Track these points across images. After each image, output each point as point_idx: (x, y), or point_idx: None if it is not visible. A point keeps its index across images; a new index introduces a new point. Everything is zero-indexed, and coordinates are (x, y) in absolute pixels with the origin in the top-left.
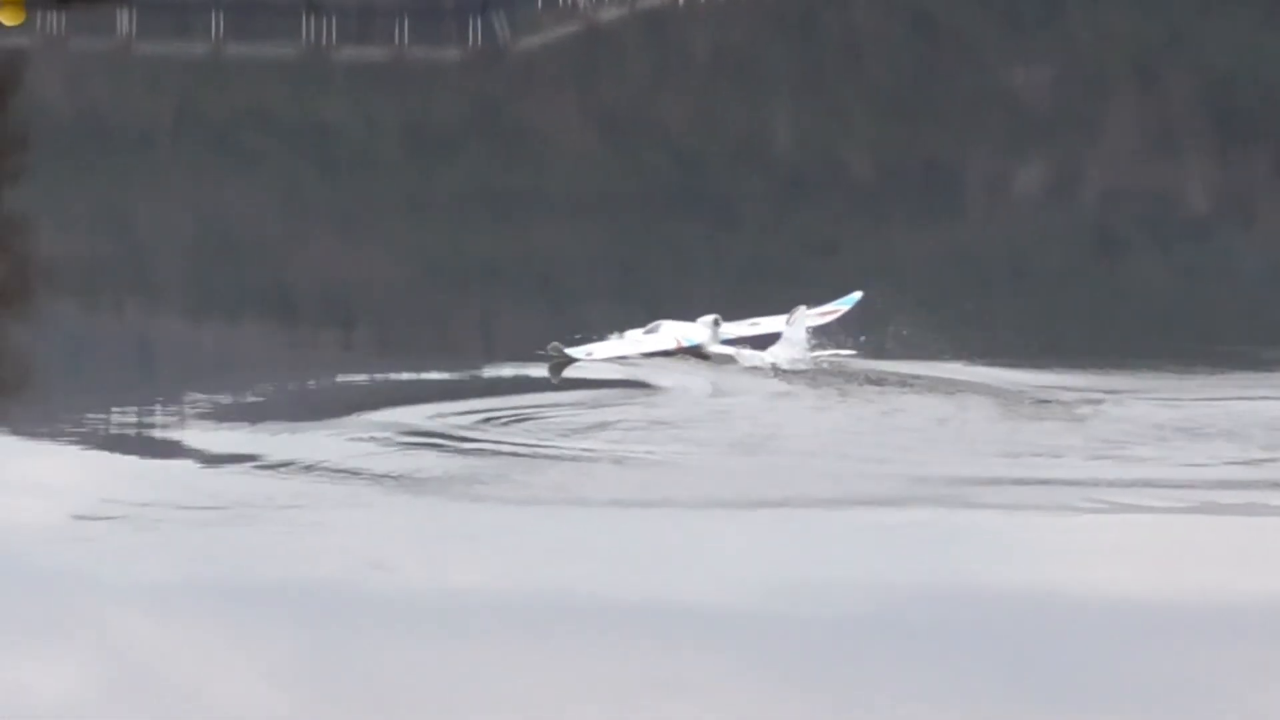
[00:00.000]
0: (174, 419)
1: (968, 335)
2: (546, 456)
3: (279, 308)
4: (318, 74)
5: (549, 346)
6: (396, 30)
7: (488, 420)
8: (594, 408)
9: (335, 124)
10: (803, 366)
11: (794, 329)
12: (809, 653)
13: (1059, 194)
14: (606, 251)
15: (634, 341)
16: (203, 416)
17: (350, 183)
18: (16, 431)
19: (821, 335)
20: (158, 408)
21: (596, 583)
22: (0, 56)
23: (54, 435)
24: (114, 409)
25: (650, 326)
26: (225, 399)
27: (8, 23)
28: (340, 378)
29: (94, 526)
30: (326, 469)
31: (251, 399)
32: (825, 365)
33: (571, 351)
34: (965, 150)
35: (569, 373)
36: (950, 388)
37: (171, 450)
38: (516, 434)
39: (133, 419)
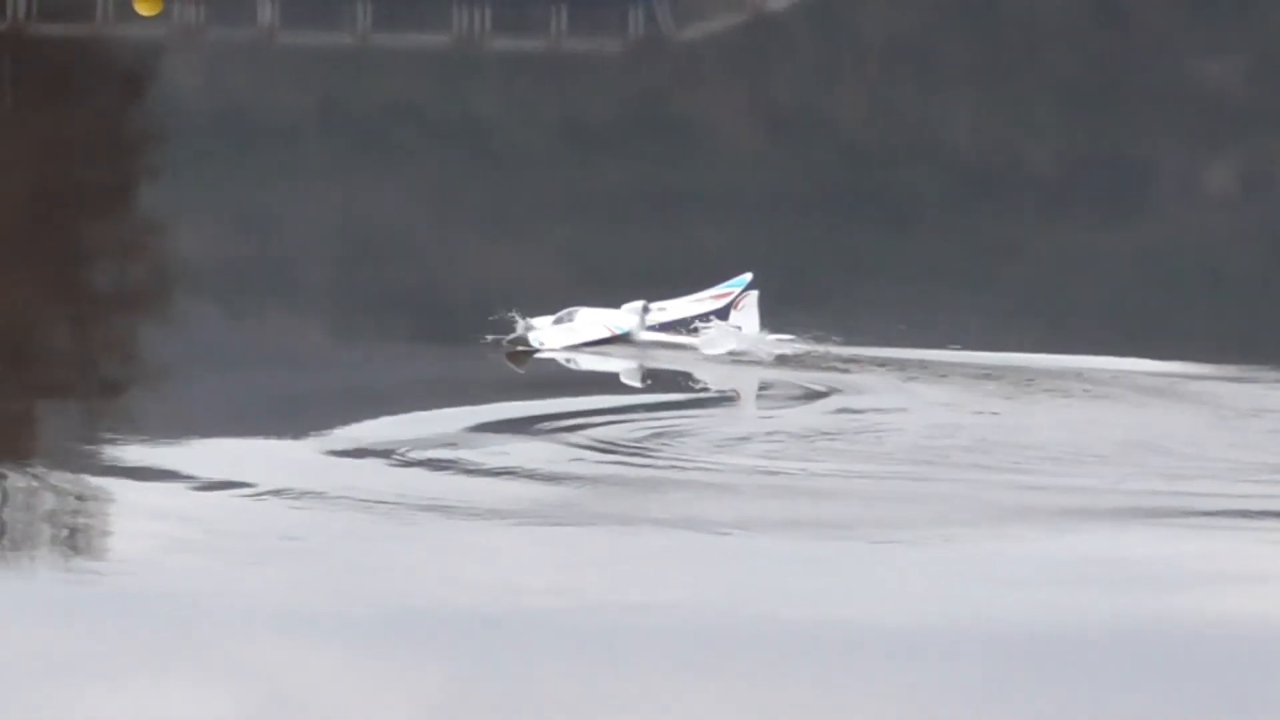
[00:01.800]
0: (311, 430)
1: (1157, 340)
2: (700, 472)
3: (427, 312)
4: (470, 66)
5: (507, 340)
6: (553, 20)
7: (617, 428)
8: (723, 421)
9: (488, 119)
10: (761, 353)
11: (745, 314)
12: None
13: (1253, 191)
14: (773, 254)
15: (572, 329)
16: (341, 427)
17: (504, 181)
18: (149, 443)
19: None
20: (295, 418)
21: (769, 609)
22: (136, 49)
23: (189, 447)
24: (251, 419)
25: (564, 313)
26: (365, 409)
27: (144, 13)
28: (491, 387)
29: (231, 545)
30: (472, 485)
31: (391, 408)
32: (792, 352)
33: (532, 338)
34: (1154, 146)
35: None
36: (1141, 397)
37: (309, 464)
38: (658, 447)
39: (270, 430)
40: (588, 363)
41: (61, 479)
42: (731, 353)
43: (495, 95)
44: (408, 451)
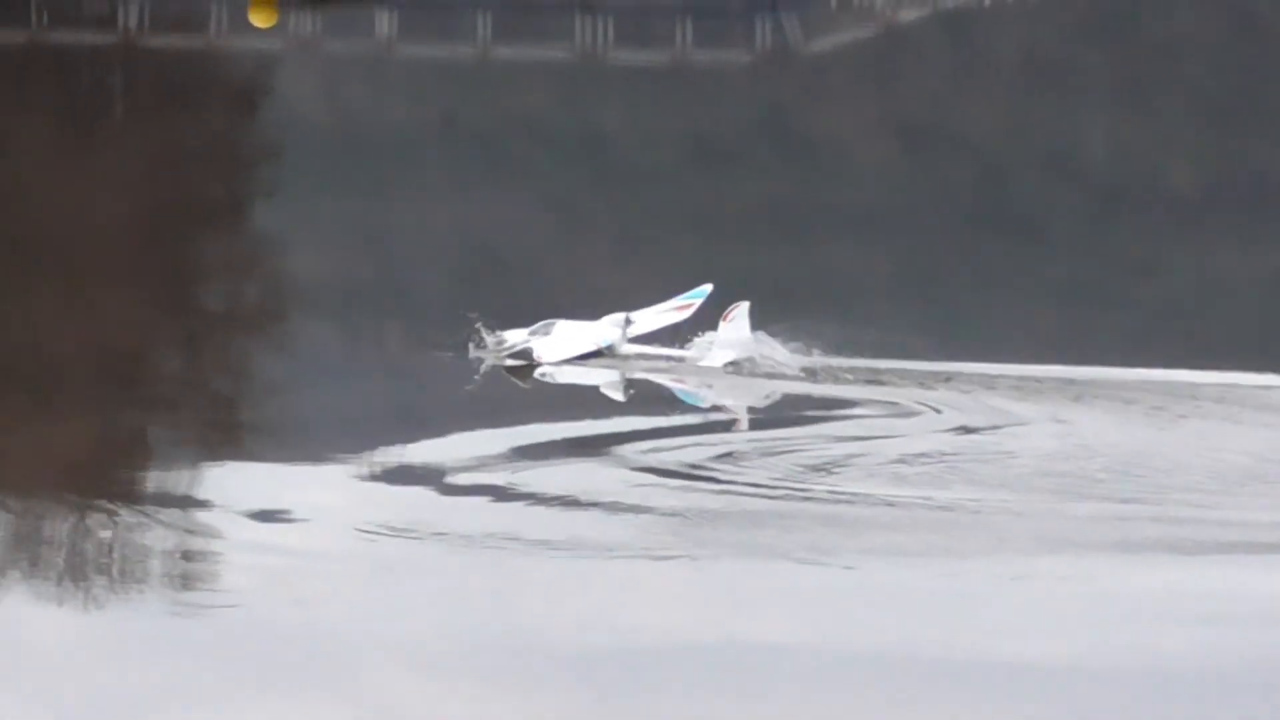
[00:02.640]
0: (431, 453)
1: None
2: (833, 502)
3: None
4: (592, 79)
5: (504, 353)
6: (678, 31)
7: (721, 453)
8: (830, 439)
9: (611, 133)
10: (752, 367)
11: (734, 327)
12: None
13: None
14: (903, 271)
15: (566, 342)
16: (461, 450)
17: (626, 197)
18: (257, 469)
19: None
20: (414, 440)
21: (908, 644)
22: (251, 61)
23: (296, 472)
24: (369, 441)
25: (541, 325)
26: (486, 431)
27: (259, 25)
28: (612, 405)
29: (352, 568)
30: (597, 511)
31: (512, 431)
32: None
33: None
34: None
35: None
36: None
37: (429, 487)
38: (768, 471)
39: (390, 452)
40: (593, 377)
41: (170, 512)
42: (731, 365)
43: (618, 109)
44: (497, 477)
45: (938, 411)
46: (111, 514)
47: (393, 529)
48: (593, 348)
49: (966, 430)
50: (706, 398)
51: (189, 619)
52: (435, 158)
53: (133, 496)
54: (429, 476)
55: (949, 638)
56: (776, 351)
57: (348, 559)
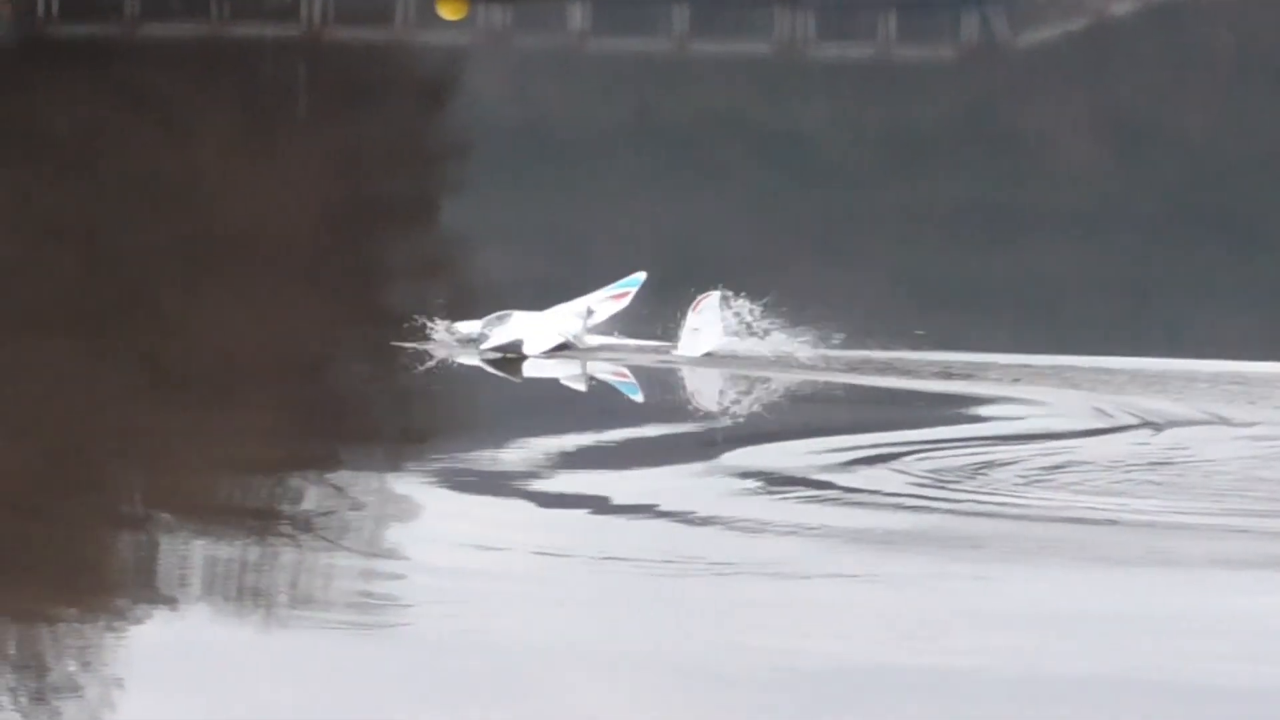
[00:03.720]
0: (610, 461)
1: None
2: (1041, 519)
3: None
4: (793, 74)
5: (494, 347)
6: (881, 25)
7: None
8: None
9: (812, 130)
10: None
11: (705, 316)
12: None
13: None
14: (1116, 274)
15: (540, 334)
16: (640, 460)
17: (828, 196)
18: (444, 475)
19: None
20: (586, 447)
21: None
22: (438, 55)
23: (483, 481)
24: (550, 449)
25: (496, 316)
26: (685, 437)
27: (448, 17)
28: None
29: (532, 589)
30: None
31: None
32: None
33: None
34: None
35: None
36: None
37: (589, 508)
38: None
39: (566, 460)
40: (558, 370)
41: (358, 534)
42: (709, 355)
43: (819, 105)
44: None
45: (1143, 417)
46: (292, 538)
47: (563, 550)
48: (560, 340)
49: (1162, 433)
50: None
51: (369, 639)
52: (629, 156)
53: (312, 511)
54: (590, 497)
55: (1179, 663)
56: (784, 342)
57: (526, 580)
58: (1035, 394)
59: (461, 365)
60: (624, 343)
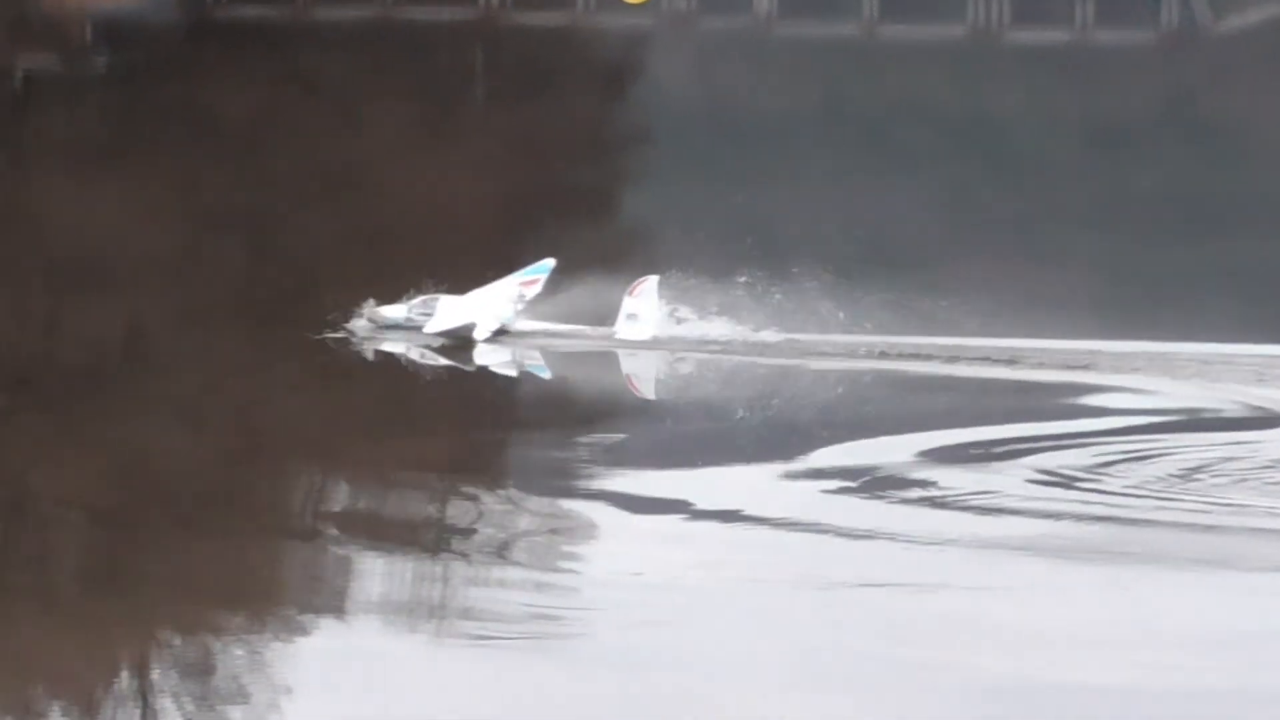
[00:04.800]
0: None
1: None
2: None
3: (933, 323)
4: (986, 59)
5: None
6: (1078, 9)
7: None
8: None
9: (1006, 117)
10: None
11: (642, 301)
12: None
13: None
14: None
15: (472, 316)
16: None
17: (1022, 186)
18: (628, 468)
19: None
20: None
21: None
22: (620, 39)
23: (664, 473)
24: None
25: (421, 300)
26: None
27: (630, 1)
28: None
29: (726, 582)
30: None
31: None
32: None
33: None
34: None
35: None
36: None
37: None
38: (1144, 482)
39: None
40: (492, 356)
41: (539, 505)
42: (655, 340)
43: (1013, 92)
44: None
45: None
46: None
47: (714, 564)
48: (500, 323)
49: None
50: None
51: (545, 649)
52: (816, 143)
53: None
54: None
55: None
56: (713, 325)
57: (685, 592)
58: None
59: (380, 351)
60: (560, 328)
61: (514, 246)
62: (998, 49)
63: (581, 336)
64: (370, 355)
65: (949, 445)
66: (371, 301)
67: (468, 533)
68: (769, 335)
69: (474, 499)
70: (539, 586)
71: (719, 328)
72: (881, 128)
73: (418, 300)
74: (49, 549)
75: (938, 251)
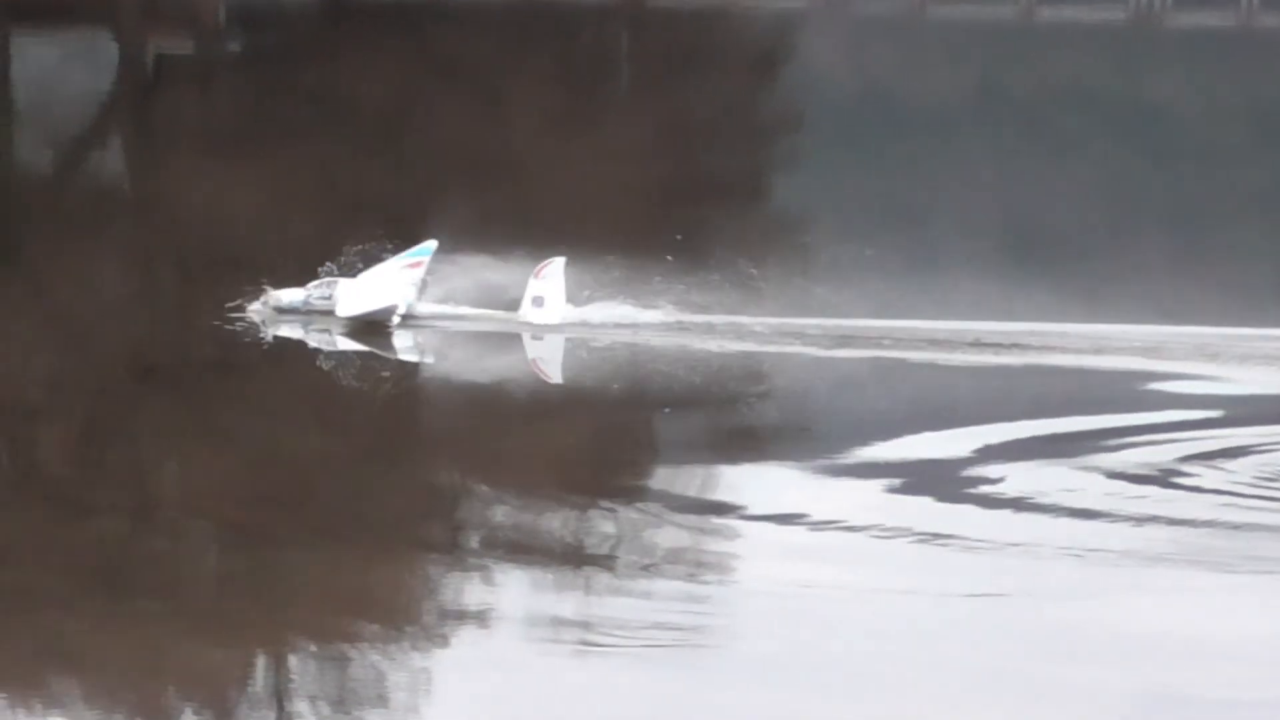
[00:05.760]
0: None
1: None
2: None
3: (1092, 308)
4: (1147, 44)
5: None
6: None
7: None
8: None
9: (1167, 103)
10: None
11: (549, 283)
12: None
13: None
14: None
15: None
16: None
17: (1184, 174)
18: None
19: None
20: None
21: None
22: (770, 21)
23: (806, 471)
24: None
25: (322, 283)
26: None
27: None
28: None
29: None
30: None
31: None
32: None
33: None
34: None
35: None
36: None
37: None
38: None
39: (881, 449)
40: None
41: (679, 512)
42: (564, 322)
43: (1176, 78)
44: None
45: None
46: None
47: (916, 533)
48: (405, 307)
49: None
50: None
51: (683, 660)
52: (972, 128)
53: (640, 497)
54: (933, 477)
55: None
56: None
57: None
58: None
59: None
60: (465, 311)
61: (659, 234)
62: (1159, 33)
63: (486, 319)
64: (270, 339)
65: (1021, 439)
66: (267, 285)
67: (597, 543)
68: (667, 315)
69: (611, 512)
70: (668, 597)
71: (625, 310)
72: (1038, 112)
73: (315, 284)
74: (181, 548)
75: (1095, 238)
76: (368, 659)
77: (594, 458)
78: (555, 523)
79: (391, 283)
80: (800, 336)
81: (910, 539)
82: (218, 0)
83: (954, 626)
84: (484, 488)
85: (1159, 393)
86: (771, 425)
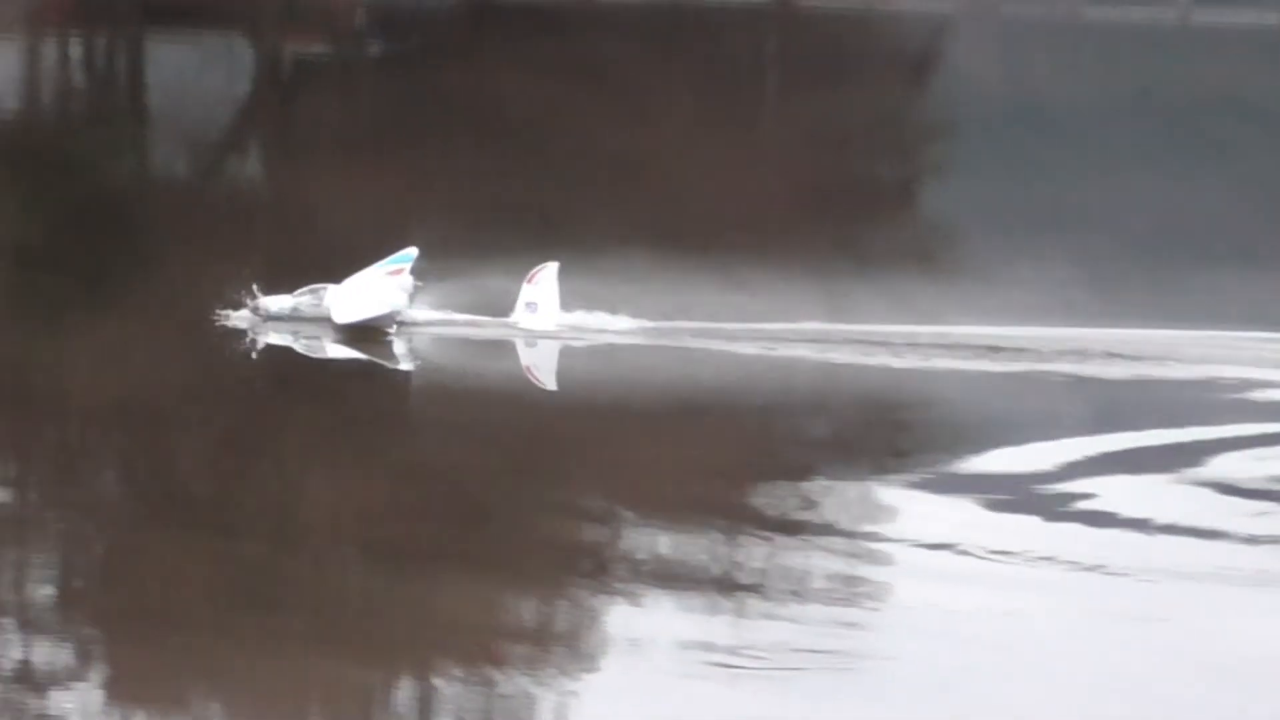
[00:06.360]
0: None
1: None
2: None
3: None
4: None
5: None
6: None
7: None
8: None
9: None
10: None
11: (542, 289)
12: None
13: None
14: None
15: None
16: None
17: None
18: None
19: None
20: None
21: None
22: (921, 25)
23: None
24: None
25: (310, 290)
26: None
27: None
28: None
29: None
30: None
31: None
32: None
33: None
34: None
35: None
36: None
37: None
38: None
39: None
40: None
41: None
42: (559, 328)
43: None
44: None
45: None
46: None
47: (1029, 558)
48: (392, 310)
49: None
50: None
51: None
52: (1128, 134)
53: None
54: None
55: None
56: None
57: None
58: None
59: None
60: (457, 317)
61: (806, 244)
62: None
63: (478, 326)
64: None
65: (1114, 451)
66: (257, 290)
67: (750, 569)
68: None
69: (763, 536)
70: (822, 621)
71: (622, 320)
72: (1194, 117)
73: (304, 290)
74: (322, 567)
75: (1251, 244)
76: (518, 682)
77: (735, 474)
78: (700, 545)
79: (383, 289)
80: (950, 349)
81: (1063, 567)
82: (356, 3)
83: (1119, 649)
84: (628, 510)
85: None
86: (914, 440)
